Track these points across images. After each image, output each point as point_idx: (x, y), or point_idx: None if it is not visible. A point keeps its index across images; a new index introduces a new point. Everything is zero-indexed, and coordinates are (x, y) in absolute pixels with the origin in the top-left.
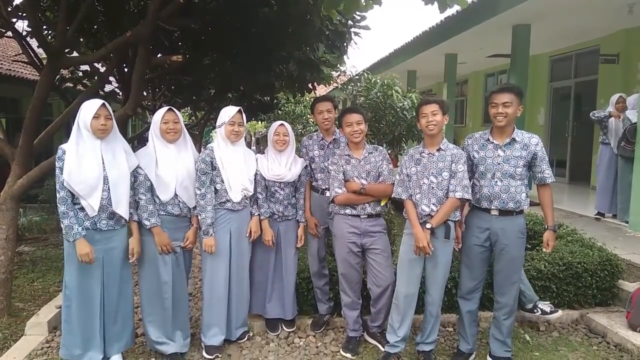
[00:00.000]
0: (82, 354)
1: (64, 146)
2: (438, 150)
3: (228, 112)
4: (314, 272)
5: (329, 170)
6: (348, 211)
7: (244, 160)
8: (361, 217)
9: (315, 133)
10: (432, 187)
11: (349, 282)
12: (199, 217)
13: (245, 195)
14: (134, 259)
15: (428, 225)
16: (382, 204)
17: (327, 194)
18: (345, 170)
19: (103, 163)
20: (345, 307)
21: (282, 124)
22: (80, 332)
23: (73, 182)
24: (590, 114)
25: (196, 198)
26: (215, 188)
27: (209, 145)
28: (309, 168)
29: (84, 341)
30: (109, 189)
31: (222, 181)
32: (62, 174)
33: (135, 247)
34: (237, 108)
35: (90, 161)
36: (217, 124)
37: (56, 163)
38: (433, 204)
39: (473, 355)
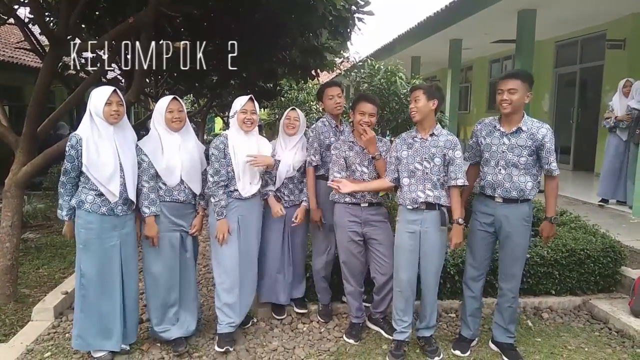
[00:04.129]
0: (101, 344)
1: (78, 133)
2: (431, 135)
3: (240, 101)
4: (318, 269)
5: (332, 155)
6: (348, 199)
7: (257, 151)
8: (361, 205)
9: (326, 119)
10: (427, 173)
11: (351, 270)
12: (212, 201)
13: (257, 188)
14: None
15: (461, 221)
16: (380, 194)
17: None
18: (347, 157)
19: (117, 150)
20: (349, 294)
21: (293, 109)
22: (99, 321)
23: (92, 169)
24: (604, 124)
25: (208, 184)
26: (226, 175)
27: (224, 132)
28: (319, 156)
29: (103, 330)
30: (124, 175)
31: (233, 170)
32: (71, 160)
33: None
34: (249, 96)
35: (107, 148)
36: (230, 114)
37: (67, 149)
38: (429, 190)
39: (475, 341)
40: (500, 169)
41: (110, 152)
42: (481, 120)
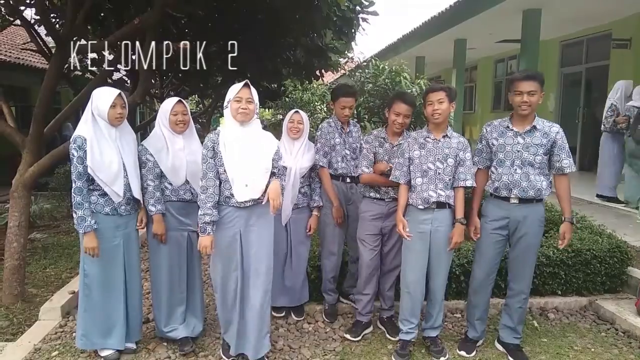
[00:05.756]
0: (104, 342)
1: (82, 134)
2: (444, 136)
3: (234, 89)
4: (327, 270)
5: (362, 148)
6: (372, 194)
7: (257, 146)
8: (385, 200)
9: (332, 119)
10: (439, 173)
11: (367, 266)
12: (199, 213)
13: (256, 195)
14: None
15: (463, 221)
16: None
17: (347, 180)
18: (377, 152)
19: (120, 150)
20: (359, 292)
21: (297, 111)
22: (102, 320)
23: (97, 170)
24: (603, 128)
25: (198, 190)
26: (220, 179)
27: (218, 127)
28: (328, 158)
29: (106, 329)
30: (127, 175)
31: (225, 170)
32: (81, 162)
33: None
34: (244, 82)
35: (110, 149)
36: (224, 104)
37: (74, 152)
38: (440, 189)
39: (480, 342)
40: (516, 169)
41: (114, 153)
42: (489, 123)
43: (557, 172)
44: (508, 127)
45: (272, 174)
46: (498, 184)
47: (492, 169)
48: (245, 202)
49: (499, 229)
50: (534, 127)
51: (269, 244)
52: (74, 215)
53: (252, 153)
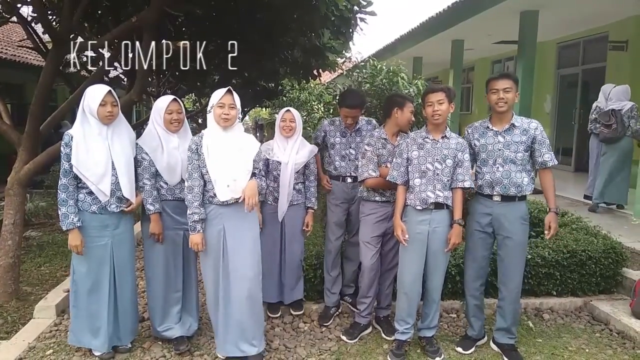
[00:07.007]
0: (89, 341)
1: (71, 132)
2: (443, 137)
3: (217, 95)
4: (329, 264)
5: (365, 151)
6: (378, 198)
7: (239, 149)
8: (391, 202)
9: (338, 119)
10: (437, 174)
11: (370, 269)
12: (188, 212)
13: (237, 195)
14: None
15: (461, 222)
16: None
17: (349, 180)
18: (380, 155)
19: (109, 149)
20: (363, 296)
21: (288, 110)
22: (88, 318)
23: (82, 168)
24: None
25: (184, 191)
26: (204, 180)
27: (203, 131)
28: (325, 154)
29: (91, 328)
30: (116, 174)
31: (208, 171)
32: (68, 160)
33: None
34: (226, 88)
35: (98, 147)
36: (207, 109)
37: (62, 149)
38: (439, 190)
39: (482, 341)
40: (498, 167)
41: (102, 151)
42: (470, 125)
43: (541, 167)
44: (488, 127)
45: (253, 174)
46: (481, 182)
47: (477, 168)
48: (227, 200)
49: (484, 226)
50: (513, 125)
51: (252, 243)
52: (59, 212)
53: (234, 156)
